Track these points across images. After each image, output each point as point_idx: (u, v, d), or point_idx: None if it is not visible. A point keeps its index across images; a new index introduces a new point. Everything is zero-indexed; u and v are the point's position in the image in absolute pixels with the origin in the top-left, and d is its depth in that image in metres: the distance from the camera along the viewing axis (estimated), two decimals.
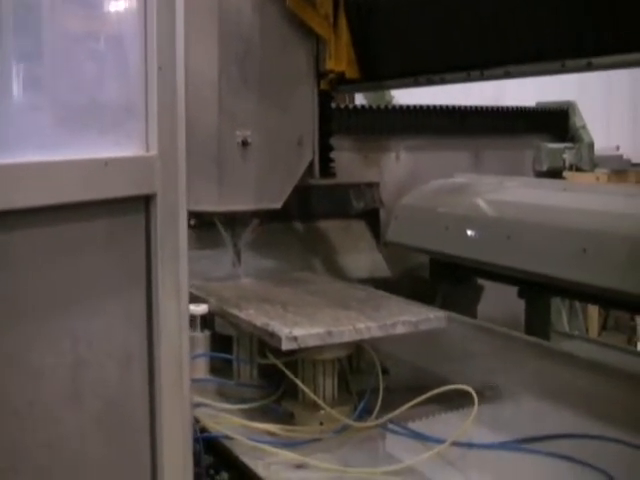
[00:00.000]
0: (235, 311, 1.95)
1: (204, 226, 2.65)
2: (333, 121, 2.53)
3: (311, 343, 1.73)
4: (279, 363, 1.84)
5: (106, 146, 1.12)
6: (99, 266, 1.12)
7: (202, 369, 2.06)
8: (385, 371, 1.92)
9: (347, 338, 1.77)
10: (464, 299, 3.12)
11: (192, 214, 2.51)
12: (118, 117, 1.15)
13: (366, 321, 1.82)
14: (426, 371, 2.13)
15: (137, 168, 1.17)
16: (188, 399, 1.27)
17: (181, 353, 1.24)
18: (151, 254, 1.21)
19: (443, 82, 2.22)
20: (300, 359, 1.84)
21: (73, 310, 1.07)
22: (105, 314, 1.12)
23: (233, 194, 2.29)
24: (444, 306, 2.61)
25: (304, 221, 3.15)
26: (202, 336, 2.07)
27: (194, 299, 2.13)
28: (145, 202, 1.20)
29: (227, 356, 2.04)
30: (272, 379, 1.95)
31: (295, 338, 1.71)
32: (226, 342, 2.06)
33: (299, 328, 1.75)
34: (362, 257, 3.14)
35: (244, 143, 2.27)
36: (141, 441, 1.19)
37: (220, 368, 2.09)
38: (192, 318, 2.04)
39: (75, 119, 1.08)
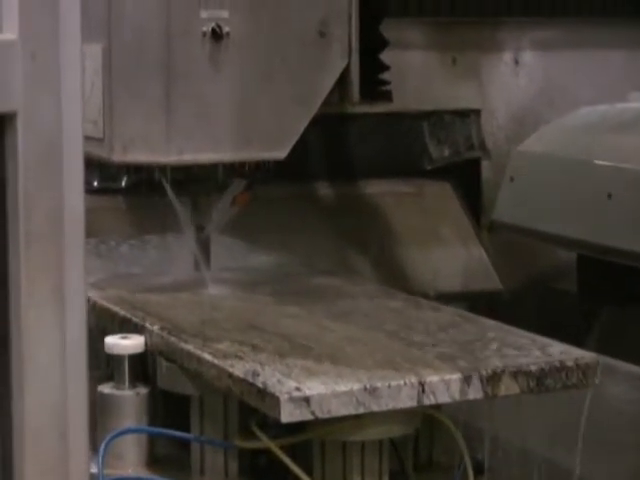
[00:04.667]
0: (196, 349, 1.97)
1: (143, 192, 2.68)
2: None
3: (338, 410, 1.76)
4: (276, 448, 1.86)
5: None
6: None
7: (132, 458, 2.09)
8: (481, 467, 1.95)
9: (407, 402, 1.79)
10: None
11: (120, 169, 2.50)
12: None
13: (444, 370, 1.83)
14: (559, 467, 2.12)
15: None
16: None
17: (67, 425, 1.24)
18: (7, 226, 1.21)
19: None
20: (318, 441, 1.87)
21: None
22: None
23: (195, 133, 2.32)
24: (604, 345, 2.64)
25: (335, 183, 3.17)
26: (132, 396, 2.10)
27: (118, 325, 2.14)
28: None
29: (181, 434, 2.06)
30: (265, 477, 1.97)
31: (306, 400, 1.73)
32: (179, 408, 2.08)
33: (314, 381, 1.78)
34: (447, 251, 3.15)
35: (216, 34, 2.30)
36: None
37: (168, 456, 2.13)
38: (112, 360, 2.06)
39: None
